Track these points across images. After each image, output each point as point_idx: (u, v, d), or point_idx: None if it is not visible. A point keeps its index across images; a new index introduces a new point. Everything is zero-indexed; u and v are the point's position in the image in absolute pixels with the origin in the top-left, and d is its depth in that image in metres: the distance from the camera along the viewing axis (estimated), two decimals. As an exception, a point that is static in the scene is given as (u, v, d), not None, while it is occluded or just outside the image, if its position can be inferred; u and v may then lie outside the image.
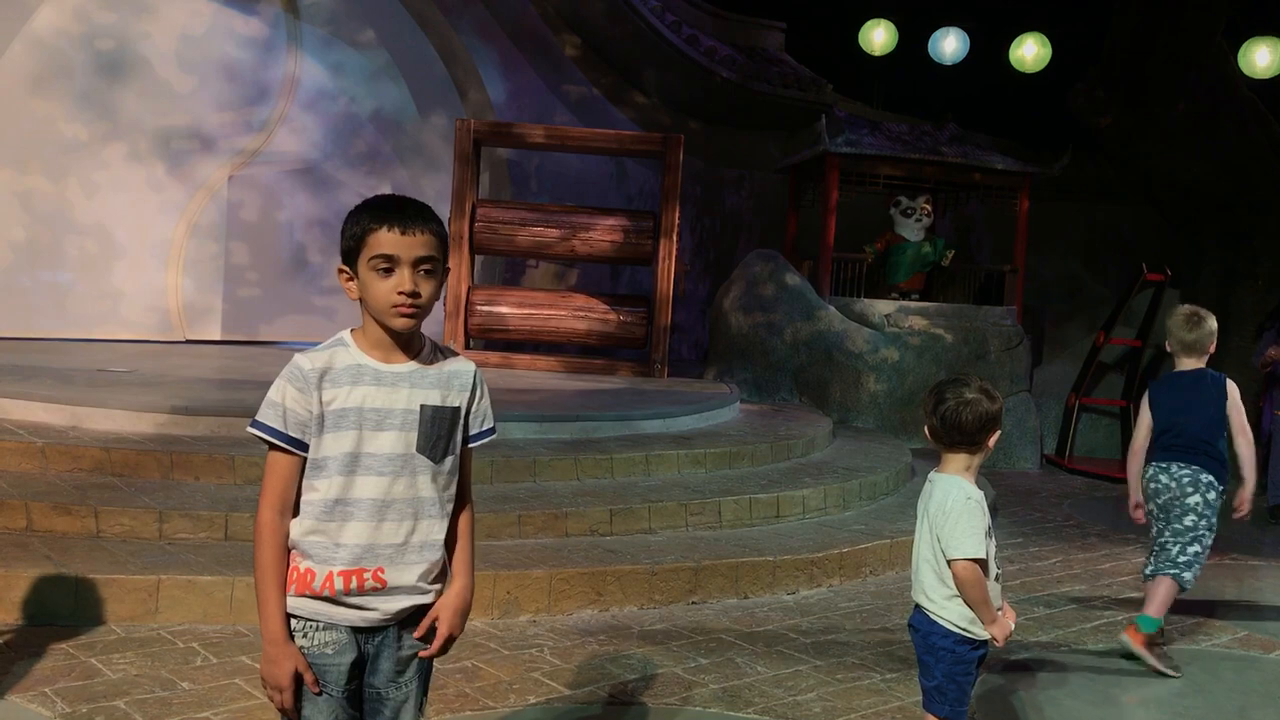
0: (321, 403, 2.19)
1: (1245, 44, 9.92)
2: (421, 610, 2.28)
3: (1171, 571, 4.54)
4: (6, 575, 4.09)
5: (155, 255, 9.89)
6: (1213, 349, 4.64)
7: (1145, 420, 4.69)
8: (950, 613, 2.90)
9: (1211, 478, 4.53)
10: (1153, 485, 4.62)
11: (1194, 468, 4.52)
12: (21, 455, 5.14)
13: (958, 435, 2.92)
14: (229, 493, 5.02)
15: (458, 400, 2.30)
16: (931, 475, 3.02)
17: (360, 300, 2.22)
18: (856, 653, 4.44)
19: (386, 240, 2.15)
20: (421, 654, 2.28)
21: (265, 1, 10.21)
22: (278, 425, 2.18)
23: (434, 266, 2.20)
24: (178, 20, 9.78)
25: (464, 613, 2.32)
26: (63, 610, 4.09)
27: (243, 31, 10.12)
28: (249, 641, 4.04)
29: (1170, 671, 4.40)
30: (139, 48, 9.63)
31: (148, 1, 9.65)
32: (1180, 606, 4.98)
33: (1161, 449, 4.61)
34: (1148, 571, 4.64)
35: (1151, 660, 4.42)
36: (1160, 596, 4.54)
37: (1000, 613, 2.92)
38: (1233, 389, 4.59)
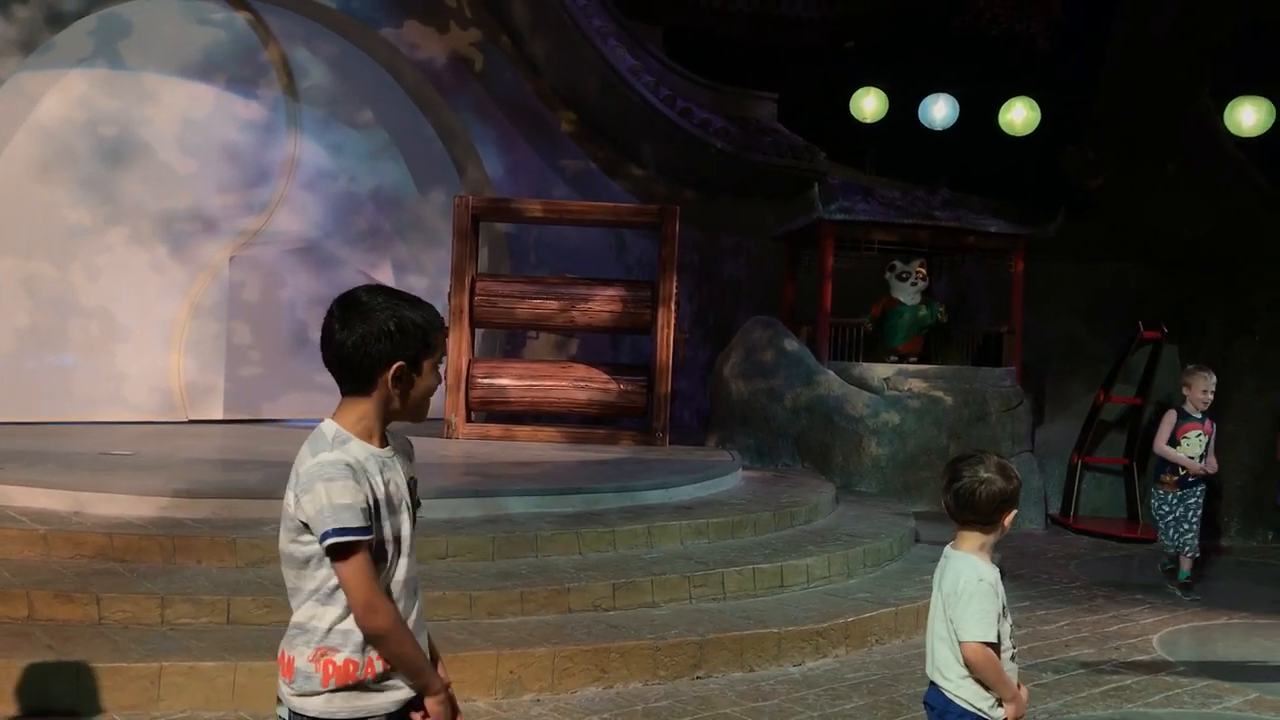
0: (373, 491, 2.22)
1: (1231, 103, 10.05)
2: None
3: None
4: (7, 665, 4.08)
5: (158, 337, 9.96)
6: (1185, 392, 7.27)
7: None
8: (966, 691, 2.89)
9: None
10: None
11: None
12: (24, 543, 5.14)
13: (971, 514, 2.93)
14: (231, 576, 5.01)
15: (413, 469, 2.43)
16: (947, 550, 3.03)
17: (383, 398, 2.24)
18: (864, 725, 4.40)
19: (443, 340, 2.34)
20: None
21: (265, 85, 10.40)
22: (363, 522, 2.17)
23: None
24: (179, 105, 9.95)
25: None
26: (63, 700, 4.06)
27: (243, 115, 10.29)
28: (251, 728, 4.01)
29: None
30: (141, 133, 9.78)
31: (150, 88, 9.82)
32: (1189, 670, 5.16)
33: None
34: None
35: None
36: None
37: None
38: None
